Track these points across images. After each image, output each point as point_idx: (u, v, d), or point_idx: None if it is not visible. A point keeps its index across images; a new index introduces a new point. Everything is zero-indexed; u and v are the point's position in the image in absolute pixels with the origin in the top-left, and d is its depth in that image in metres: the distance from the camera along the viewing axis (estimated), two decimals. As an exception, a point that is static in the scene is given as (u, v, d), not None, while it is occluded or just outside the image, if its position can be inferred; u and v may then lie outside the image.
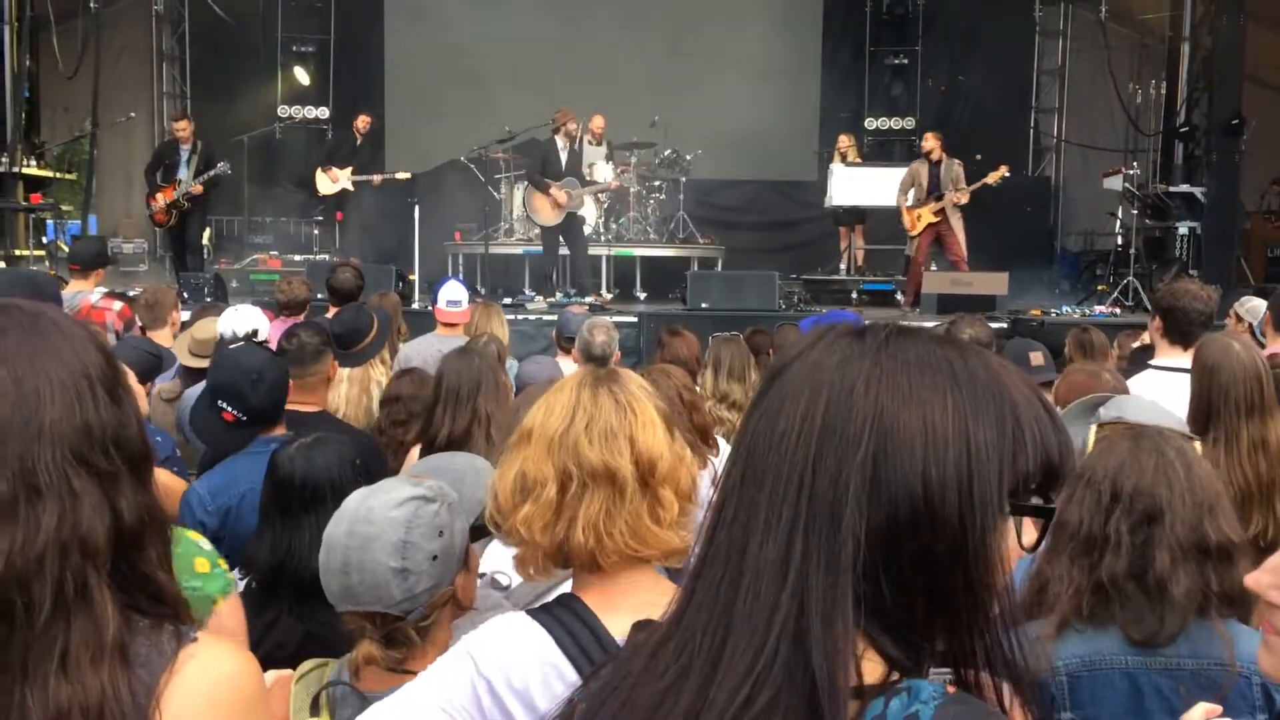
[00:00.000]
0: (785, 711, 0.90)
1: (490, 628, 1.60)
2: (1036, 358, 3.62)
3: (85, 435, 1.08)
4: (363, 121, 12.49)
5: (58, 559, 1.04)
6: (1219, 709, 1.49)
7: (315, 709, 1.78)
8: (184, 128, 10.79)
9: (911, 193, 11.08)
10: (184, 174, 10.58)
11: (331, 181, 12.11)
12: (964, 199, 10.70)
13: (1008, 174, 10.90)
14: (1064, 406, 3.15)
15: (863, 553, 0.91)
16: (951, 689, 0.91)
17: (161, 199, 10.62)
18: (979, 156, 12.35)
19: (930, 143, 11.09)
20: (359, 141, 12.38)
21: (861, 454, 0.92)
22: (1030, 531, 0.98)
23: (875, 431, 0.92)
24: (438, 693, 1.53)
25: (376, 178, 12.01)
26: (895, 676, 0.93)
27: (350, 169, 12.06)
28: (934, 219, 10.89)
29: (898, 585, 0.92)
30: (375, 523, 1.77)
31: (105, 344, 1.16)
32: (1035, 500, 0.96)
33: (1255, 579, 1.20)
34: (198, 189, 10.68)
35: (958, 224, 10.83)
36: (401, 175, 12.04)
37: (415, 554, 1.76)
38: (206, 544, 2.29)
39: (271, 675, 1.90)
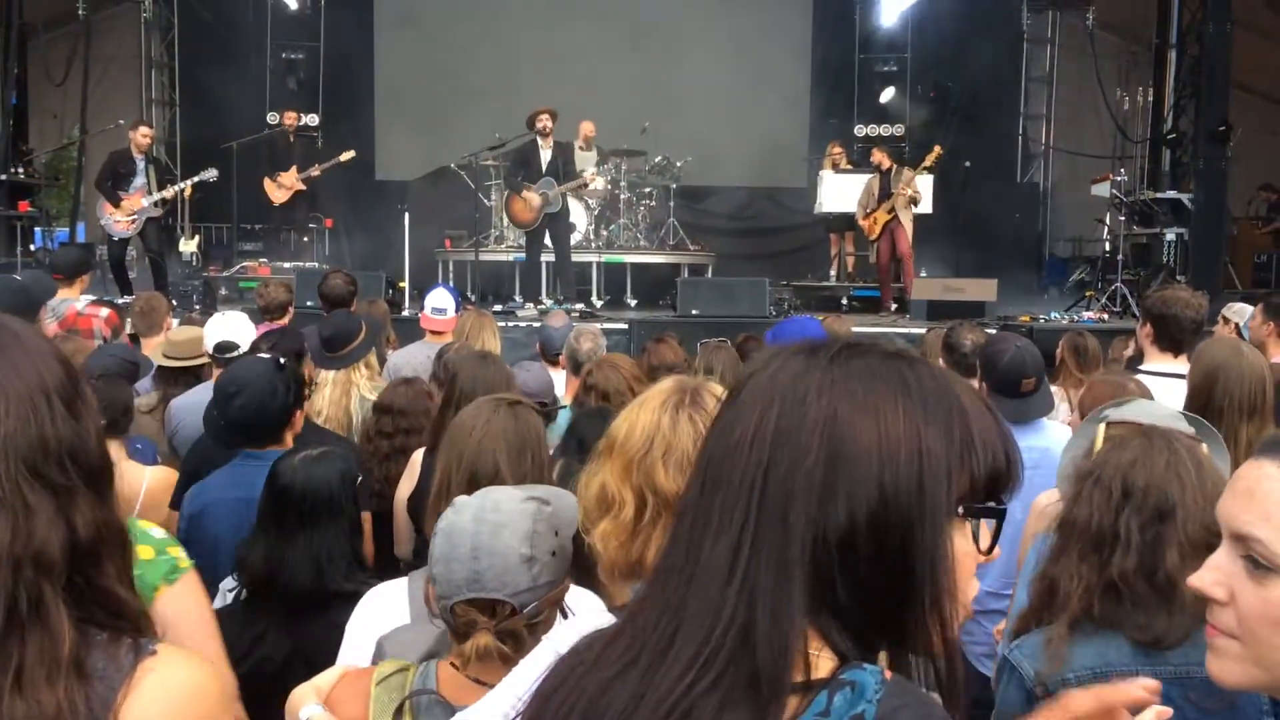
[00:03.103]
0: (726, 693, 0.93)
1: (573, 623, 1.62)
2: (1028, 384, 3.62)
3: (41, 449, 1.06)
4: (289, 119, 12.48)
5: (11, 573, 1.02)
6: (1169, 711, 1.49)
7: (399, 715, 1.77)
8: (147, 135, 10.60)
9: (869, 204, 11.46)
10: (141, 181, 10.27)
11: (283, 189, 12.09)
12: (912, 192, 11.06)
13: (941, 154, 11.35)
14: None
15: (815, 552, 0.94)
16: (889, 674, 0.94)
17: (128, 205, 10.20)
18: (968, 164, 12.41)
19: (878, 155, 11.62)
20: (291, 139, 12.40)
21: (813, 458, 0.96)
22: (984, 536, 1.03)
23: (828, 436, 0.96)
24: (520, 685, 1.54)
25: (316, 169, 12.04)
26: (840, 669, 0.95)
27: (294, 169, 12.06)
28: (887, 217, 11.22)
29: (852, 584, 0.95)
30: (504, 512, 1.79)
31: (67, 358, 1.15)
32: (988, 503, 1.01)
33: (1198, 578, 1.21)
34: (189, 190, 10.55)
35: (908, 221, 11.19)
36: (345, 156, 12.03)
37: (541, 545, 1.77)
38: (158, 532, 2.18)
39: (339, 670, 1.89)
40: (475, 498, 1.86)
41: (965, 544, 1.01)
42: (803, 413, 0.97)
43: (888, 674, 0.94)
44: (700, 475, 1.02)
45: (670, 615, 0.98)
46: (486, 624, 1.74)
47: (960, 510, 0.99)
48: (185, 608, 2.04)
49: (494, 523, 1.77)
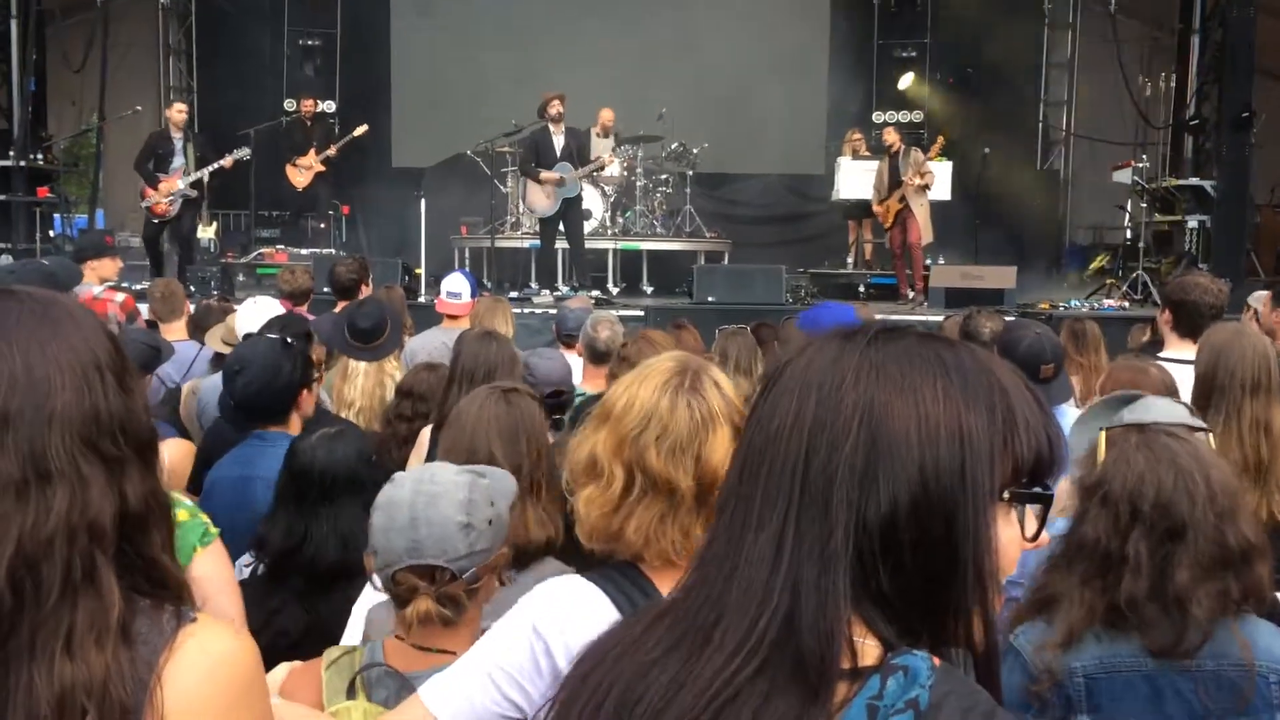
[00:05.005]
0: (772, 680, 0.92)
1: (547, 589, 1.65)
2: (1047, 370, 3.59)
3: (94, 421, 1.10)
4: (306, 105, 12.60)
5: (66, 542, 1.06)
6: None
7: (351, 692, 1.82)
8: (182, 110, 10.64)
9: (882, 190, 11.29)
10: (180, 162, 10.34)
11: (304, 171, 12.16)
12: (922, 180, 10.84)
13: (945, 142, 11.30)
14: None
15: (857, 540, 0.93)
16: (937, 661, 0.93)
17: (165, 187, 10.27)
18: (987, 150, 12.31)
19: (890, 137, 11.40)
20: (309, 124, 12.49)
21: (851, 443, 0.94)
22: (1031, 522, 1.00)
23: (865, 422, 0.95)
24: (497, 655, 1.58)
25: (333, 149, 12.10)
26: (890, 655, 0.94)
27: (312, 152, 12.13)
28: (899, 206, 11.05)
29: (896, 570, 0.94)
30: (440, 483, 1.87)
31: (114, 333, 1.18)
32: (1034, 488, 0.99)
33: None
34: (229, 163, 10.50)
35: (919, 208, 10.96)
36: (358, 131, 12.06)
37: (477, 513, 1.85)
38: (187, 500, 2.34)
39: (284, 668, 1.92)
40: (413, 471, 1.95)
41: (1011, 530, 0.99)
42: (840, 398, 0.96)
43: (936, 660, 0.93)
44: (739, 465, 1.02)
45: (712, 604, 0.98)
46: (427, 590, 1.81)
47: (1006, 495, 0.97)
48: (216, 570, 2.20)
49: (431, 493, 1.85)
